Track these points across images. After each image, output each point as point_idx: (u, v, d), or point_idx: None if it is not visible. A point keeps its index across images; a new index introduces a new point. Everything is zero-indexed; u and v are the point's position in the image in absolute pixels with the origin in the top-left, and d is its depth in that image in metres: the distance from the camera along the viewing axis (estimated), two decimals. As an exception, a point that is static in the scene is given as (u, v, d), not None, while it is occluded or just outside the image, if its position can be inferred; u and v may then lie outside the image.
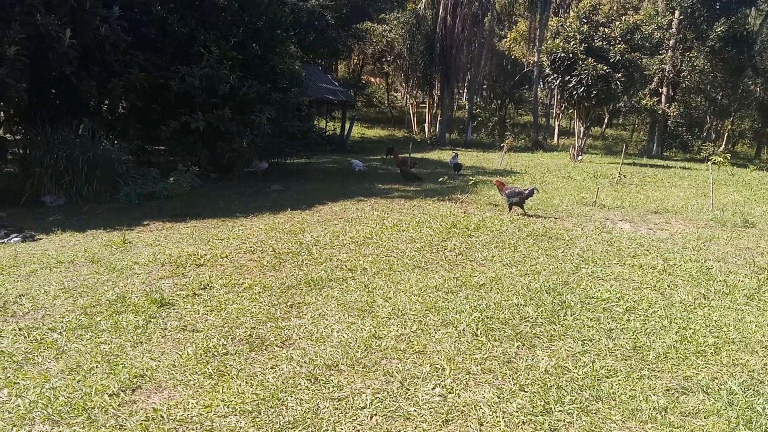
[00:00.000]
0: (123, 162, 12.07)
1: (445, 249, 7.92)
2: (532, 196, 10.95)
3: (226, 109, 14.37)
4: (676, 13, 34.27)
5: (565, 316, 5.50)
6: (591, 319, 5.44)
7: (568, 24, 24.58)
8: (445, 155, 25.73)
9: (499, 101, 53.09)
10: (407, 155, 19.51)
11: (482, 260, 7.43)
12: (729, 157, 17.07)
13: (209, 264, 7.04)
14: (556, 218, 10.54)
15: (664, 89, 35.76)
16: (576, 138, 27.00)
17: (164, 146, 16.72)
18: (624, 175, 18.21)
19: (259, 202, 11.97)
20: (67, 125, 12.37)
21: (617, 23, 24.16)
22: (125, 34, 12.94)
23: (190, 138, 14.68)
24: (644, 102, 34.14)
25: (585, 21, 24.33)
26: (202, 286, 6.17)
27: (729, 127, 42.78)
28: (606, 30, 23.97)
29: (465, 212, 10.76)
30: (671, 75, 35.37)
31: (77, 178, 11.28)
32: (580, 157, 25.78)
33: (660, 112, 35.09)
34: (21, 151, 14.03)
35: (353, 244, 8.11)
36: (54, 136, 11.47)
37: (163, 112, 14.55)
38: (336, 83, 34.76)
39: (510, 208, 10.79)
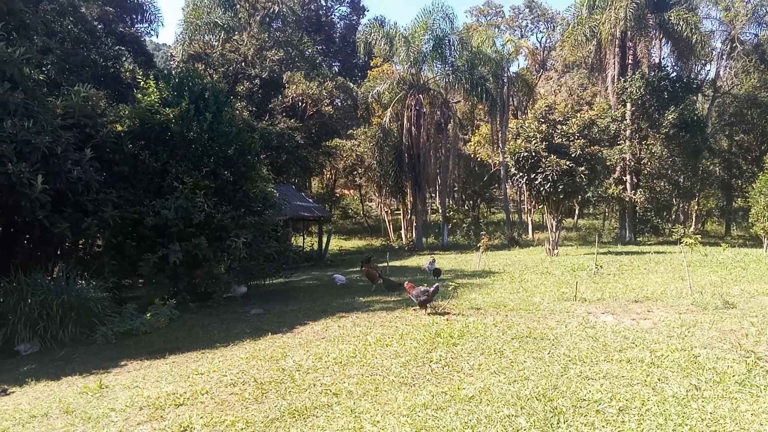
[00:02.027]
0: (99, 301, 11.89)
1: (431, 361, 7.79)
2: (437, 293, 11.97)
3: (202, 237, 14.43)
4: (628, 105, 36.06)
5: (558, 423, 5.36)
6: (585, 425, 5.31)
7: (527, 125, 25.68)
8: (423, 261, 25.86)
9: (471, 202, 54.25)
10: (375, 266, 19.45)
11: (469, 370, 7.31)
12: (700, 238, 17.33)
13: (189, 403, 6.80)
14: (538, 317, 10.51)
15: (628, 177, 36.95)
16: (550, 232, 27.47)
17: (141, 279, 16.61)
18: (601, 266, 18.40)
19: (239, 328, 11.78)
20: (42, 268, 12.23)
21: (573, 120, 25.30)
22: (97, 174, 13.16)
23: (167, 269, 14.61)
24: (610, 191, 35.13)
25: (543, 121, 25.44)
26: (182, 429, 5.94)
27: (696, 207, 43.99)
28: (564, 127, 25.05)
29: (448, 319, 10.69)
30: (632, 163, 36.69)
31: (52, 322, 11.05)
32: (556, 251, 26.10)
33: (627, 199, 36.05)
34: (-7, 299, 13.79)
35: (337, 365, 7.94)
36: (27, 281, 11.33)
37: (138, 246, 14.55)
38: (310, 200, 35.36)
39: (422, 307, 11.67)
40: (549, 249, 26.45)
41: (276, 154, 33.02)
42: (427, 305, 11.66)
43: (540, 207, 28.94)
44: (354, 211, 56.34)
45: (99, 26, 21.16)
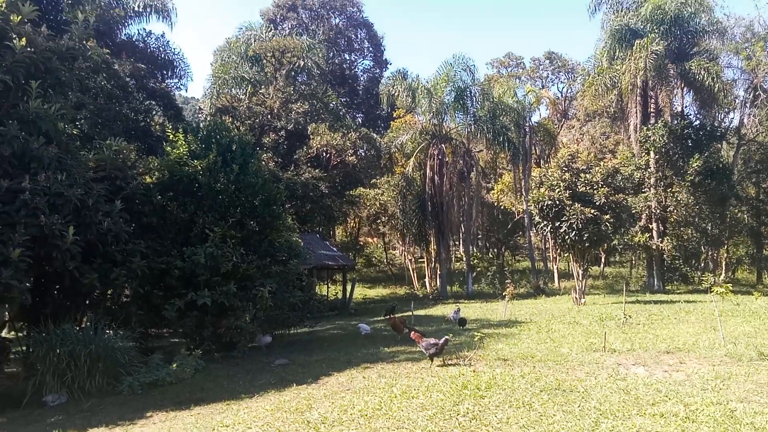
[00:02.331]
0: (125, 351, 11.97)
1: (458, 414, 7.67)
2: (447, 345, 11.84)
3: (231, 284, 14.57)
4: (652, 153, 35.94)
5: (591, 480, 5.22)
6: (619, 482, 5.16)
7: (550, 174, 25.71)
8: (448, 310, 25.65)
9: (495, 250, 53.94)
10: (401, 319, 19.27)
11: (497, 423, 7.18)
12: (731, 286, 17.02)
13: (215, 456, 6.76)
14: (567, 368, 10.31)
15: (654, 225, 36.53)
16: (576, 280, 27.14)
17: (167, 328, 16.73)
18: (629, 316, 18.07)
19: (264, 378, 11.73)
20: (70, 319, 12.38)
21: (597, 169, 25.28)
22: (127, 225, 13.41)
23: (193, 317, 14.70)
24: (637, 239, 34.71)
25: (566, 169, 25.46)
26: (208, 483, 5.88)
27: (725, 255, 43.18)
28: (587, 176, 25.03)
29: (474, 370, 10.54)
30: (658, 211, 36.31)
31: (79, 373, 11.12)
32: (582, 300, 25.73)
33: (654, 247, 35.57)
34: (23, 349, 13.95)
35: (362, 417, 7.85)
36: (56, 331, 11.46)
37: (165, 296, 14.70)
38: (334, 249, 35.50)
39: (431, 360, 11.62)
40: (576, 298, 26.10)
41: (301, 204, 33.37)
42: (437, 357, 11.66)
43: (565, 255, 28.71)
44: (378, 259, 56.32)
45: (131, 82, 21.91)
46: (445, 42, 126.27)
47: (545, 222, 25.47)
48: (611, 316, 19.23)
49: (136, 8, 25.39)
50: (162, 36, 27.93)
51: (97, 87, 19.70)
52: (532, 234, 44.94)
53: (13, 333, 14.64)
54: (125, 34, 26.39)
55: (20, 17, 11.63)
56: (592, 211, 23.98)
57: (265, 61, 36.48)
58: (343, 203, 40.03)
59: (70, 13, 20.39)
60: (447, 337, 12.07)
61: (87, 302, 14.71)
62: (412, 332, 12.93)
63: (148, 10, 25.61)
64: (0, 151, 10.82)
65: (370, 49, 62.13)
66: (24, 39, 11.39)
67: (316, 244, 31.08)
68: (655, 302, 25.58)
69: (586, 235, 24.23)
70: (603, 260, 45.29)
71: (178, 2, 37.11)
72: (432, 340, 11.76)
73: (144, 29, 27.71)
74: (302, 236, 26.89)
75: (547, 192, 25.09)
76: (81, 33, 13.85)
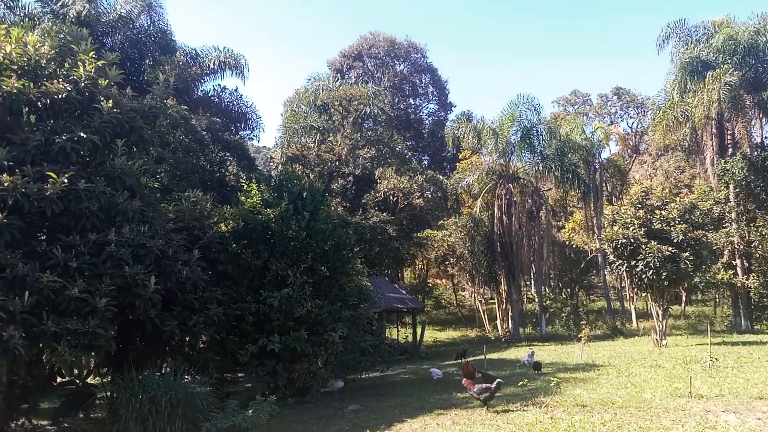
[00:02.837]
0: (203, 397, 12.27)
1: (536, 464, 7.44)
2: (500, 389, 11.73)
3: (302, 330, 14.80)
4: (731, 186, 34.46)
5: None
6: None
7: (623, 211, 25.04)
8: (521, 353, 25.04)
9: (568, 289, 52.52)
10: (470, 361, 18.95)
11: (578, 475, 6.92)
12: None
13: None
14: (651, 415, 9.86)
15: (738, 261, 34.75)
16: (655, 321, 26.05)
17: (242, 373, 17.08)
18: (716, 358, 17.15)
19: (338, 425, 11.75)
20: (151, 365, 12.84)
21: (673, 204, 24.46)
22: (204, 273, 13.91)
23: (267, 361, 14.97)
24: (719, 276, 33.07)
25: (640, 206, 24.75)
26: None
27: (819, 291, 40.45)
28: (663, 212, 24.23)
29: (552, 417, 10.23)
30: (741, 247, 34.56)
31: (160, 418, 11.45)
32: (664, 342, 24.62)
33: (739, 284, 33.78)
34: (108, 395, 14.51)
35: (438, 467, 7.73)
36: (138, 378, 11.90)
37: (239, 342, 15.07)
38: (403, 291, 35.50)
39: (485, 404, 11.41)
40: (656, 339, 25.00)
41: (369, 247, 33.66)
42: (490, 402, 11.49)
43: (643, 294, 27.68)
44: (447, 300, 55.79)
45: (207, 135, 22.99)
46: (509, 82, 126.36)
47: (620, 261, 24.71)
48: (696, 358, 18.30)
49: (212, 66, 26.72)
50: (235, 90, 29.25)
51: (176, 141, 20.76)
52: (606, 273, 43.57)
53: (98, 379, 15.25)
54: (201, 90, 27.79)
55: (107, 81, 12.48)
56: (670, 248, 23.11)
57: (332, 109, 37.51)
58: (411, 245, 40.13)
59: (151, 73, 21.80)
60: (499, 380, 11.92)
61: (167, 349, 15.24)
62: (464, 379, 12.75)
63: (223, 66, 26.92)
64: (89, 206, 11.48)
65: (435, 93, 62.87)
66: (111, 101, 12.18)
67: (385, 287, 31.16)
68: (744, 343, 24.17)
69: (664, 274, 23.32)
70: (684, 299, 43.32)
71: (249, 57, 38.90)
72: (483, 385, 11.62)
73: (219, 85, 29.08)
74: (371, 279, 27.05)
75: (620, 230, 24.40)
76: (162, 92, 14.70)
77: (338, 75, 49.85)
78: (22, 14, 21.75)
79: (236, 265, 16.07)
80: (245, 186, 17.61)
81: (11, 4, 19.51)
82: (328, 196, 25.31)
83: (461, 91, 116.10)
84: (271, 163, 40.97)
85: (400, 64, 61.33)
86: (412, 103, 62.67)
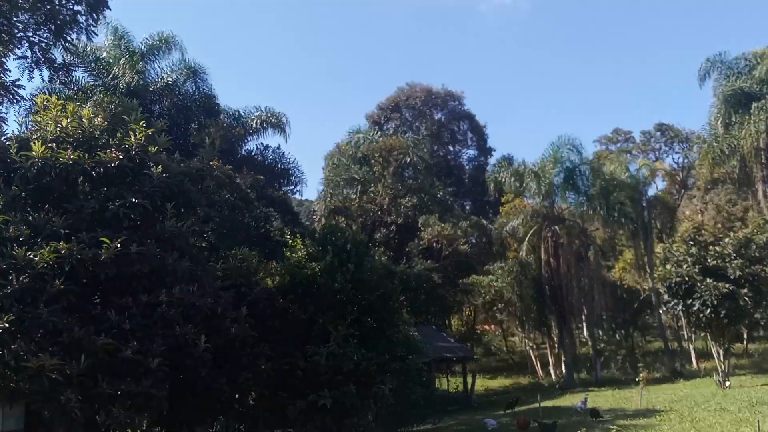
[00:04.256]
0: (255, 455, 12.25)
1: None
2: None
3: (350, 384, 14.70)
4: (788, 216, 33.32)
5: None
6: None
7: (675, 249, 24.43)
8: (577, 399, 24.28)
9: (622, 331, 50.89)
10: (524, 409, 18.47)
11: None
12: None
13: None
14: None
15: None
16: (717, 361, 25.03)
17: (292, 429, 16.98)
18: (785, 400, 16.32)
19: (391, 481, 11.53)
20: (203, 423, 12.90)
21: (727, 240, 23.77)
22: (252, 329, 14.05)
23: (317, 417, 14.88)
24: (784, 313, 31.67)
25: (692, 243, 24.12)
26: None
27: None
28: (717, 248, 23.55)
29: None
30: (805, 279, 33.15)
31: (213, 477, 11.48)
32: (727, 383, 23.57)
33: (804, 319, 32.27)
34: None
35: None
36: (191, 437, 11.97)
37: (288, 397, 15.05)
38: (451, 339, 35.04)
39: None
40: (719, 380, 23.98)
41: (415, 296, 33.49)
42: None
43: (702, 334, 26.68)
44: (497, 347, 54.64)
45: (251, 193, 23.51)
46: (548, 124, 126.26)
47: (675, 300, 24.01)
48: (763, 400, 17.44)
49: (254, 125, 27.65)
50: (278, 147, 30.04)
51: (222, 200, 21.27)
52: (662, 312, 42.19)
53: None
54: (245, 150, 28.66)
55: (157, 147, 13.02)
56: (727, 285, 22.36)
57: (372, 160, 38.07)
58: (458, 292, 39.76)
59: (197, 136, 22.61)
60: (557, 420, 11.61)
61: (217, 406, 15.30)
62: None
63: (265, 126, 27.82)
64: (140, 268, 11.83)
65: (474, 138, 63.19)
66: (160, 166, 12.68)
67: (434, 336, 30.81)
68: (815, 383, 22.96)
69: (722, 312, 22.52)
70: (745, 337, 41.49)
71: (290, 112, 40.08)
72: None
73: (261, 143, 29.96)
74: (419, 329, 26.79)
75: (673, 268, 23.78)
76: (208, 154, 15.25)
77: (377, 127, 50.74)
78: (75, 88, 22.98)
79: (283, 319, 16.18)
80: (290, 241, 17.89)
81: (65, 79, 20.65)
82: (371, 247, 25.46)
83: (501, 135, 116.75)
84: (314, 216, 41.54)
85: (437, 113, 62.05)
86: (452, 149, 63.07)
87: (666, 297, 24.64)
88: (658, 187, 54.98)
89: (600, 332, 46.67)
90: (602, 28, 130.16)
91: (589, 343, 41.11)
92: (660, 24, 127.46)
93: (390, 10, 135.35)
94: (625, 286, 47.39)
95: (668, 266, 24.13)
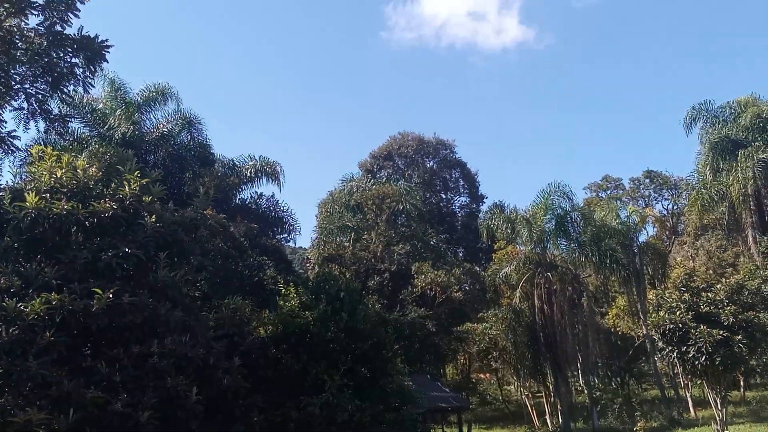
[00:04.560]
0: None
1: None
2: None
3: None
4: (779, 260, 33.50)
5: None
6: None
7: (667, 295, 24.42)
8: (574, 450, 23.89)
9: (618, 378, 50.40)
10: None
11: None
12: None
13: None
14: None
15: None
16: (715, 409, 24.73)
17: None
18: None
19: None
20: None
21: (719, 286, 23.80)
22: (244, 380, 13.89)
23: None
24: (780, 360, 31.49)
25: (684, 289, 24.11)
26: None
27: None
28: (709, 294, 23.55)
29: None
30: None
31: None
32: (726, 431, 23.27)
33: (800, 365, 32.09)
34: None
35: None
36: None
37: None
38: (446, 389, 34.59)
39: None
40: (717, 430, 23.66)
41: (409, 344, 33.17)
42: None
43: (698, 381, 26.47)
44: (492, 396, 53.83)
45: (245, 241, 23.51)
46: (538, 171, 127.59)
47: (670, 347, 23.82)
48: (763, 450, 17.21)
49: (249, 175, 27.88)
50: (272, 196, 30.16)
51: (215, 249, 21.25)
52: (657, 360, 41.88)
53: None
54: (239, 198, 28.78)
55: (151, 197, 13.10)
56: (721, 332, 22.25)
57: (366, 208, 38.24)
58: (452, 340, 39.41)
59: (192, 185, 22.73)
60: None
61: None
62: None
63: (259, 174, 28.06)
64: (133, 319, 11.76)
65: (465, 186, 63.77)
66: (154, 216, 12.75)
67: (428, 386, 30.40)
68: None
69: (718, 359, 22.34)
70: (743, 384, 41.16)
71: (284, 162, 40.50)
72: None
73: (256, 192, 30.14)
74: (413, 378, 26.46)
75: (667, 315, 23.68)
76: (202, 204, 15.32)
77: (370, 175, 51.14)
78: (71, 138, 23.17)
79: (276, 369, 16.05)
80: (283, 290, 17.87)
81: (61, 130, 20.86)
82: (365, 294, 25.35)
83: (492, 182, 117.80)
84: (307, 264, 41.43)
85: (429, 161, 62.77)
86: (444, 197, 63.58)
87: (660, 344, 24.46)
88: (648, 233, 55.37)
89: (596, 380, 46.15)
90: (590, 77, 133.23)
91: (585, 391, 40.62)
92: (646, 73, 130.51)
93: (382, 62, 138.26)
94: (620, 333, 47.11)
95: (661, 313, 24.04)
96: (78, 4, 15.96)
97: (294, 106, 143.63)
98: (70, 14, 16.04)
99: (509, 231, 38.84)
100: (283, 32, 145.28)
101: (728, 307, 22.94)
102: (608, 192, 61.54)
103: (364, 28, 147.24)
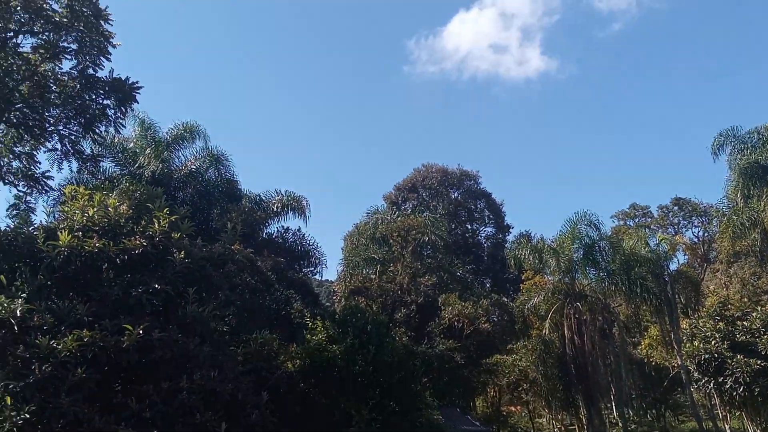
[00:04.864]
0: None
1: None
2: None
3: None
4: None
5: None
6: None
7: (701, 324, 23.91)
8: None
9: (653, 410, 49.09)
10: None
11: None
12: None
13: None
14: None
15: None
16: (756, 442, 23.97)
17: None
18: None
19: None
20: None
21: (755, 314, 23.23)
22: (272, 414, 13.84)
23: None
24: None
25: (719, 318, 23.61)
26: None
27: None
28: (745, 323, 23.00)
29: None
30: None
31: None
32: (768, 466, 22.48)
33: None
34: None
35: None
36: None
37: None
38: (477, 423, 34.00)
39: None
40: (759, 464, 22.88)
41: (437, 377, 32.80)
42: None
43: (737, 413, 25.67)
44: (524, 429, 52.76)
45: (272, 275, 23.65)
46: (564, 200, 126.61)
47: (706, 378, 23.30)
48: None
49: (275, 209, 28.20)
50: (298, 230, 30.39)
51: (243, 283, 21.41)
52: (693, 390, 40.74)
53: None
54: (266, 233, 29.06)
55: (180, 234, 13.32)
56: (759, 361, 21.68)
57: (391, 240, 38.24)
58: (481, 372, 38.82)
59: (219, 221, 23.04)
60: None
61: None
62: None
63: (285, 209, 28.37)
64: (162, 355, 11.86)
65: (491, 216, 63.46)
66: (183, 252, 12.93)
67: (458, 419, 29.94)
68: None
69: (757, 390, 21.74)
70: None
71: (310, 195, 40.90)
72: None
73: (282, 226, 30.42)
74: (442, 411, 26.11)
75: (701, 344, 23.19)
76: (230, 239, 15.51)
77: (394, 207, 51.26)
78: (102, 177, 23.73)
79: (304, 404, 15.98)
80: (310, 323, 17.88)
81: (93, 170, 21.41)
82: (392, 327, 25.23)
83: (517, 211, 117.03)
84: (334, 297, 41.43)
85: (454, 192, 62.66)
86: (469, 227, 63.29)
87: (696, 374, 23.91)
88: (679, 261, 54.39)
89: (630, 412, 45.03)
90: (614, 106, 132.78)
91: (620, 424, 39.62)
92: (671, 100, 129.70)
93: (405, 95, 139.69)
94: (653, 363, 46.06)
95: (696, 342, 23.55)
96: (109, 48, 16.51)
97: (319, 141, 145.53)
98: (101, 58, 16.62)
99: (537, 261, 38.48)
100: (308, 68, 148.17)
101: (765, 336, 22.36)
102: (636, 220, 60.80)
103: (387, 62, 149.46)
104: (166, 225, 13.37)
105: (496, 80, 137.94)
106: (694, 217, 58.66)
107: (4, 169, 18.27)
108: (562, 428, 44.30)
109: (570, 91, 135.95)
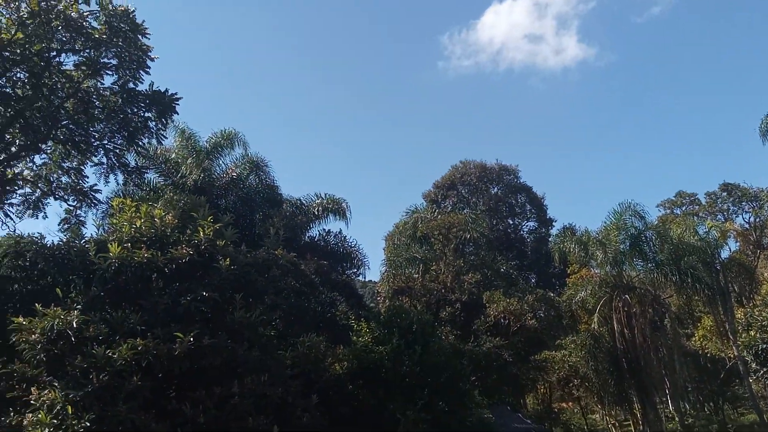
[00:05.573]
0: None
1: None
2: None
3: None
4: None
5: None
6: None
7: (757, 313, 23.15)
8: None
9: (711, 403, 47.76)
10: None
11: None
12: None
13: None
14: None
15: None
16: (821, 434, 23.06)
17: None
18: None
19: None
20: None
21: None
22: (322, 417, 13.93)
23: None
24: None
25: (775, 305, 22.84)
26: None
27: None
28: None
29: None
30: None
31: None
32: (836, 458, 21.59)
33: None
34: None
35: None
36: None
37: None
38: (528, 420, 33.64)
39: None
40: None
41: (485, 375, 32.56)
42: None
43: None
44: (577, 426, 51.94)
45: (316, 278, 23.84)
46: (606, 191, 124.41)
47: (765, 368, 22.53)
48: None
49: (316, 213, 28.43)
50: (339, 232, 30.55)
51: (288, 287, 21.63)
52: (751, 381, 39.47)
53: None
54: (308, 236, 29.30)
55: (224, 241, 13.53)
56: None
57: (432, 239, 38.16)
58: (530, 369, 38.40)
59: (262, 226, 23.32)
60: None
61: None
62: None
63: (326, 212, 28.57)
64: (213, 361, 12.07)
65: (532, 210, 62.69)
66: (228, 259, 13.13)
67: (508, 417, 29.68)
68: None
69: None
70: None
71: (349, 197, 41.05)
72: None
73: (323, 229, 30.64)
74: (492, 410, 25.94)
75: (758, 334, 22.46)
76: (273, 244, 15.68)
77: (434, 205, 51.09)
78: (147, 188, 24.30)
79: (353, 406, 16.02)
80: (355, 325, 17.94)
81: (138, 181, 21.95)
82: (437, 326, 25.14)
83: (560, 204, 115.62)
84: (378, 297, 41.54)
85: (493, 187, 62.10)
86: (511, 222, 62.64)
87: (754, 365, 23.16)
88: (731, 248, 52.68)
89: (687, 406, 43.87)
90: (656, 92, 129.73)
91: (676, 418, 38.62)
92: (715, 82, 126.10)
93: (440, 91, 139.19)
94: (708, 355, 44.75)
95: (752, 332, 22.82)
96: (148, 62, 16.90)
97: (357, 143, 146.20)
98: (140, 72, 17.02)
99: (582, 254, 37.82)
100: (344, 69, 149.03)
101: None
102: (683, 208, 59.18)
103: (422, 59, 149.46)
104: (211, 233, 13.61)
105: (532, 71, 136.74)
106: (744, 203, 56.75)
107: (54, 184, 18.91)
108: (616, 424, 43.47)
109: (609, 78, 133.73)
